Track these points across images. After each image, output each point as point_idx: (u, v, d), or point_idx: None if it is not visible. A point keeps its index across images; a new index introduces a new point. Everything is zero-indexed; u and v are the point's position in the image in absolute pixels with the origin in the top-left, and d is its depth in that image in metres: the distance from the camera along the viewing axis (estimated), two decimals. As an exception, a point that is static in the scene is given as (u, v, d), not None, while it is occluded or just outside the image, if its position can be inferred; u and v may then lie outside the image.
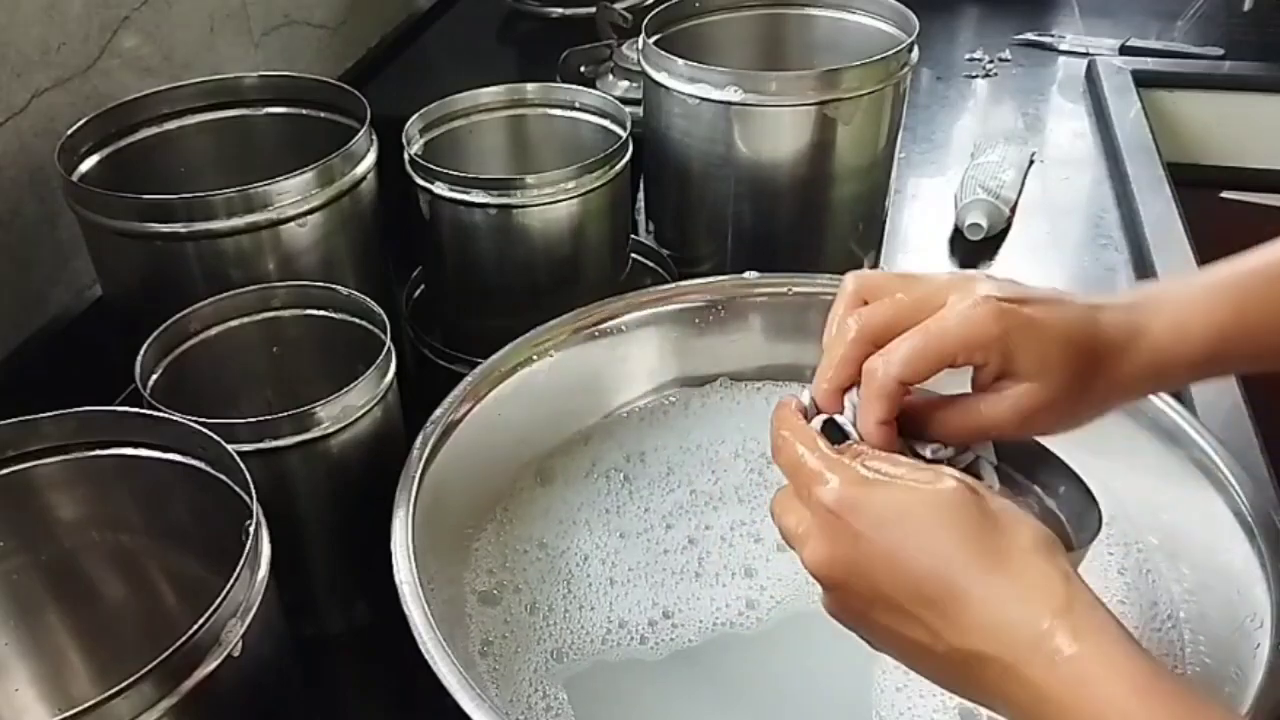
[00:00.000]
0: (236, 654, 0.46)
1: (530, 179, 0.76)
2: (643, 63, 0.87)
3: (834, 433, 0.48)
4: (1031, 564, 0.41)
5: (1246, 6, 1.49)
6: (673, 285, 0.78)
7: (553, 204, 0.77)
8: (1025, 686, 0.39)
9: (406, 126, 0.82)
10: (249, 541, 0.48)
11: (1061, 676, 0.38)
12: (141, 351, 0.63)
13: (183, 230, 0.68)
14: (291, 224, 0.70)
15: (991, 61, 1.41)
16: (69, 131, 0.73)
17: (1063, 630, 0.39)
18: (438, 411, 0.65)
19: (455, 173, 0.77)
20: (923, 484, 0.43)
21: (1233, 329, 0.49)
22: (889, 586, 0.42)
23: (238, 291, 0.68)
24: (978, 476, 0.49)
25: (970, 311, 0.46)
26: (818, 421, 0.49)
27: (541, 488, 0.70)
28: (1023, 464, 0.52)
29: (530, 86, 0.88)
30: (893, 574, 0.42)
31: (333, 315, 0.69)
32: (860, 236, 0.91)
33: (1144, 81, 1.31)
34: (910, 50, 0.85)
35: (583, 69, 1.20)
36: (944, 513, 0.42)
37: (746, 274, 0.77)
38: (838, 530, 0.43)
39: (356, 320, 0.68)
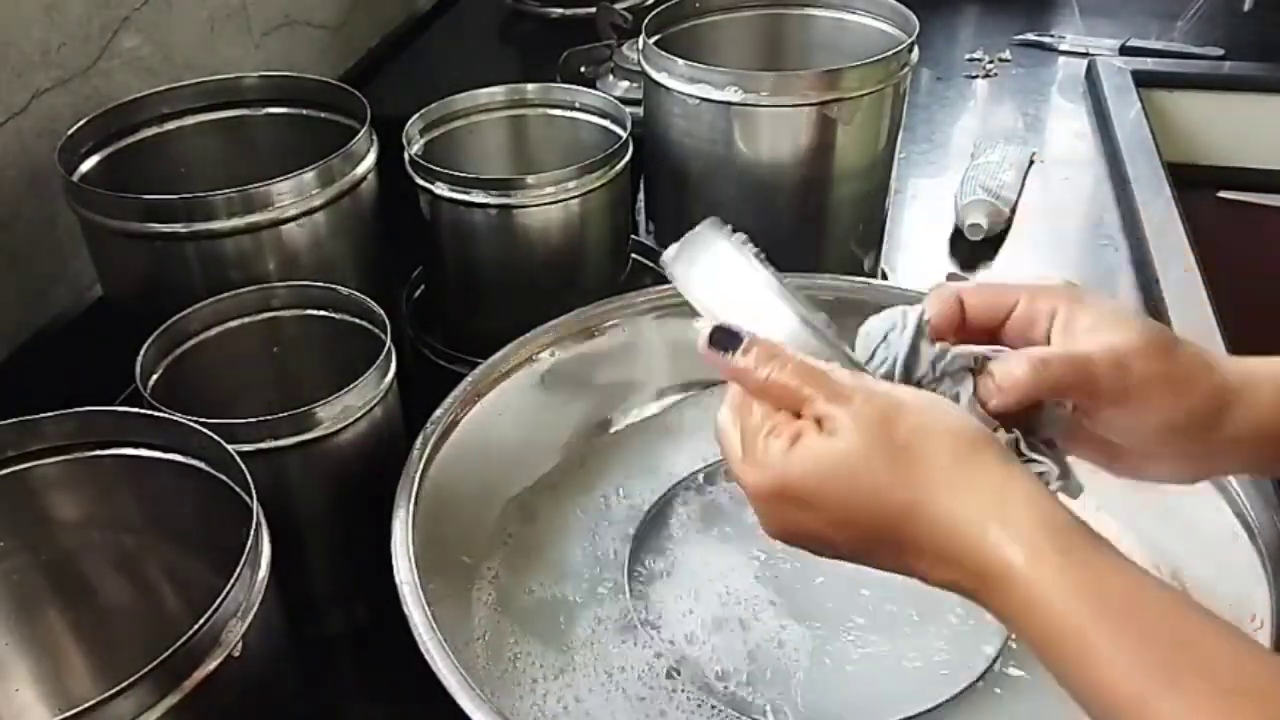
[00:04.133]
0: (236, 654, 0.46)
1: (530, 179, 0.76)
2: (643, 63, 0.87)
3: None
4: (947, 477, 0.41)
5: (1246, 6, 1.49)
6: (673, 285, 0.78)
7: (553, 204, 0.77)
8: (993, 608, 0.41)
9: (407, 127, 0.82)
10: (249, 541, 0.48)
11: (1013, 600, 0.39)
12: (141, 351, 0.63)
13: (183, 230, 0.68)
14: (291, 224, 0.70)
15: (991, 61, 1.41)
16: (69, 131, 0.73)
17: (1005, 544, 0.39)
18: (438, 411, 0.65)
19: (455, 173, 0.77)
20: (824, 445, 0.43)
21: None
22: (841, 543, 0.44)
23: (238, 291, 0.68)
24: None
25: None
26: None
27: (542, 488, 0.70)
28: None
29: (530, 86, 0.88)
30: (837, 533, 0.44)
31: (333, 315, 0.69)
32: (860, 236, 0.91)
33: (1144, 81, 1.31)
34: (910, 50, 0.85)
35: (583, 69, 1.20)
36: (855, 469, 0.42)
37: (746, 274, 0.76)
38: (772, 509, 0.45)
39: (356, 320, 0.68)
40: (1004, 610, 0.40)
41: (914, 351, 0.48)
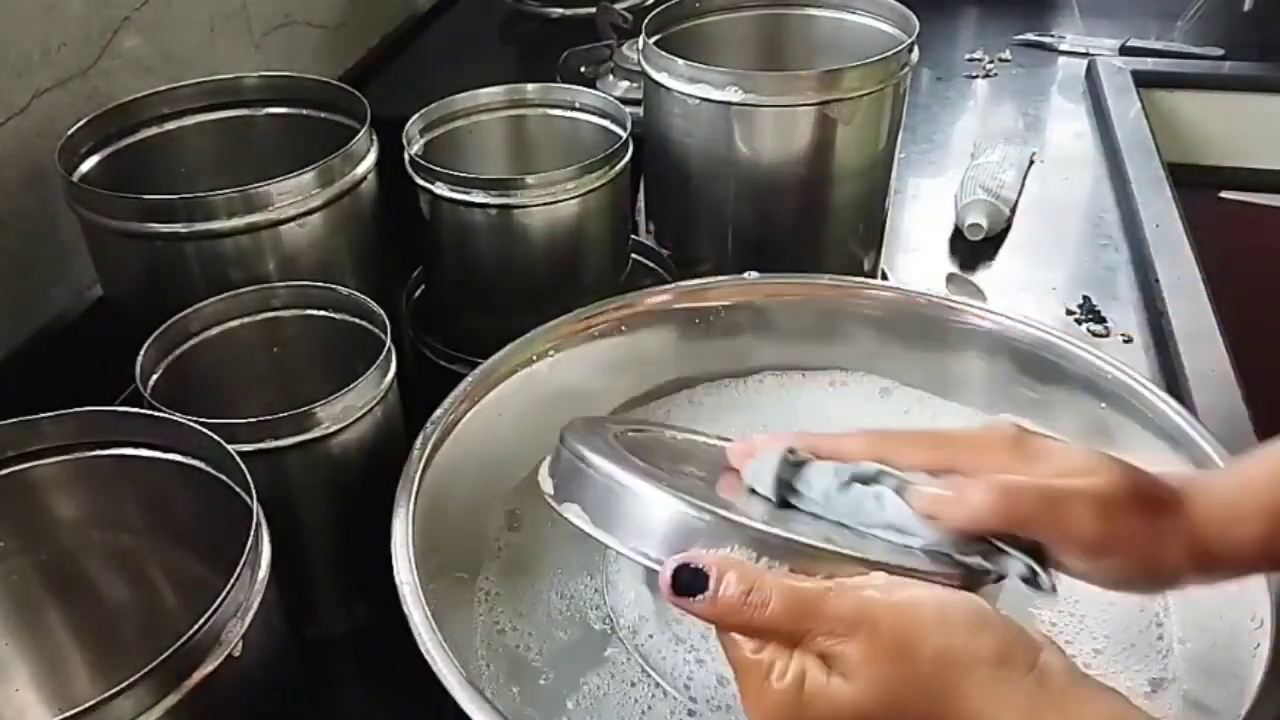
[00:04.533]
0: (236, 654, 0.46)
1: (530, 179, 0.76)
2: (643, 63, 0.87)
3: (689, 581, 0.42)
4: (977, 711, 0.39)
5: (1246, 6, 1.49)
6: (673, 285, 0.78)
7: (553, 204, 0.76)
8: None
9: (407, 126, 0.82)
10: (249, 541, 0.48)
11: None
12: (141, 351, 0.63)
13: (183, 230, 0.68)
14: (291, 224, 0.70)
15: (991, 61, 1.41)
16: (69, 131, 0.73)
17: None
18: (438, 412, 0.65)
19: (455, 173, 0.77)
20: (840, 693, 0.39)
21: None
22: None
23: (238, 292, 0.68)
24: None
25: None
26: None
27: (542, 489, 0.70)
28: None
29: (530, 86, 0.88)
30: None
31: (333, 315, 0.69)
32: (860, 236, 0.91)
33: (1144, 81, 1.31)
34: (910, 50, 0.85)
35: (583, 69, 1.20)
36: (879, 715, 0.39)
37: (746, 274, 0.77)
38: None
39: (356, 320, 0.68)
40: None
41: (791, 466, 0.48)
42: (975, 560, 0.44)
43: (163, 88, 0.80)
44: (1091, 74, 1.34)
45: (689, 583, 0.41)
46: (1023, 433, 0.47)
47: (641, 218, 0.99)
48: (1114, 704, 0.40)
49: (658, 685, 0.58)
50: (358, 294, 0.68)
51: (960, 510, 0.44)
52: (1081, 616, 0.60)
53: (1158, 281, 0.95)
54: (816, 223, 0.88)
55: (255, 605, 0.47)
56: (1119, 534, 0.43)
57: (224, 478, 0.54)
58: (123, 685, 0.42)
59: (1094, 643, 0.59)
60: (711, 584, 0.40)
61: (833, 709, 0.39)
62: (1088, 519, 0.42)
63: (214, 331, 0.68)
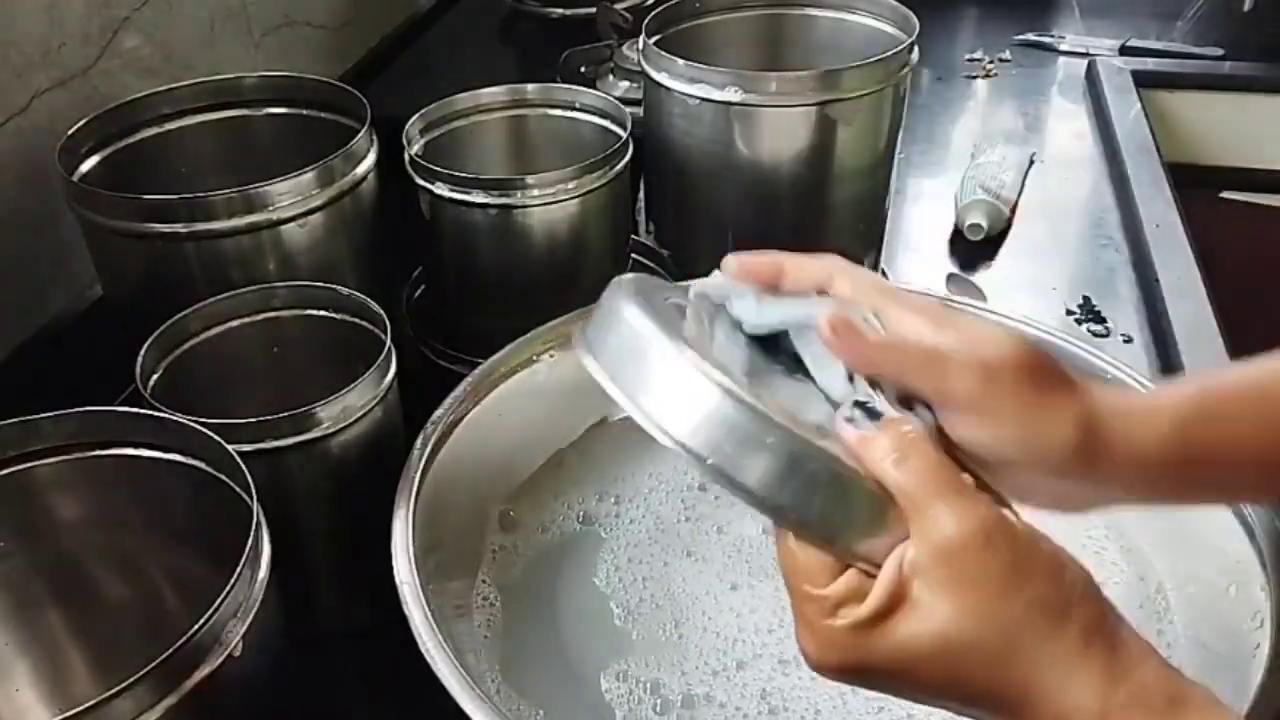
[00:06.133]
0: (236, 654, 0.46)
1: (530, 179, 0.76)
2: (643, 63, 0.87)
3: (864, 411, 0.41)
4: (1058, 682, 0.37)
5: (1246, 6, 1.49)
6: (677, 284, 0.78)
7: (553, 204, 0.77)
8: None
9: (407, 127, 0.82)
10: (249, 541, 0.48)
11: None
12: (141, 351, 0.63)
13: (183, 230, 0.68)
14: (291, 224, 0.70)
15: (991, 62, 1.41)
16: (69, 131, 0.73)
17: None
18: (438, 412, 0.65)
19: (455, 173, 0.77)
20: (933, 623, 0.38)
21: (1194, 417, 0.45)
22: (923, 701, 0.41)
23: (238, 291, 0.68)
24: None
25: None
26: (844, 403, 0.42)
27: (542, 489, 0.70)
28: None
29: (530, 86, 0.88)
30: (913, 698, 0.40)
31: (333, 315, 0.69)
32: (860, 236, 0.91)
33: (1144, 81, 1.31)
34: (910, 51, 0.85)
35: (583, 69, 1.20)
36: (956, 656, 0.37)
37: (746, 274, 0.76)
38: (852, 681, 0.40)
39: (356, 320, 0.68)
40: None
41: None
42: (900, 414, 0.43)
43: (163, 88, 0.80)
44: (1091, 74, 1.34)
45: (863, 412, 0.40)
46: (946, 307, 0.47)
47: (641, 218, 0.99)
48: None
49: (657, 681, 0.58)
50: (358, 294, 0.68)
51: (854, 345, 0.43)
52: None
53: (1158, 281, 0.95)
54: (816, 223, 0.88)
55: (255, 605, 0.47)
56: (1001, 398, 0.42)
57: (224, 478, 0.54)
58: (123, 685, 0.42)
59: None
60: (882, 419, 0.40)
61: (906, 642, 0.37)
62: (969, 379, 0.42)
63: (214, 331, 0.68)
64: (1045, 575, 0.38)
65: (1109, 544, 0.64)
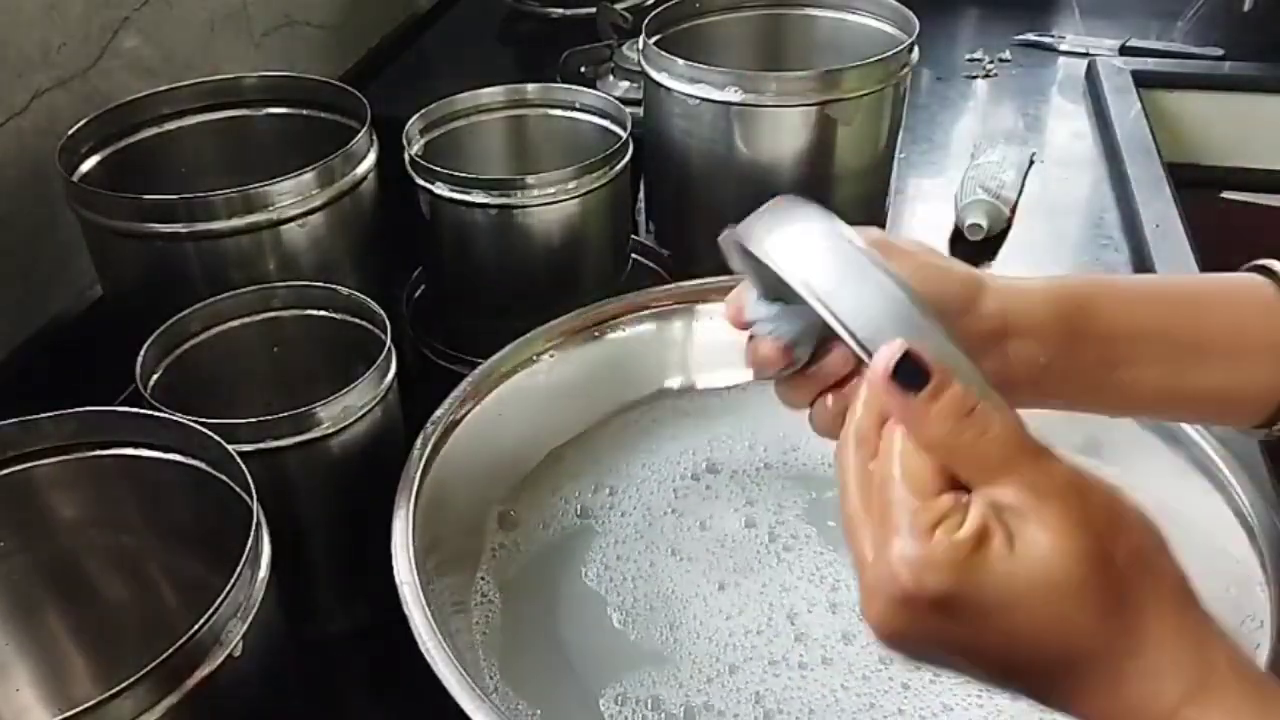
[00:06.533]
0: (236, 654, 0.46)
1: (530, 179, 0.76)
2: (643, 63, 0.87)
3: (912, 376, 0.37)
4: (1160, 635, 0.35)
5: (1246, 6, 1.49)
6: (673, 285, 0.78)
7: (553, 204, 0.77)
8: None
9: (407, 127, 0.82)
10: (249, 541, 0.48)
11: None
12: (141, 351, 0.63)
13: (183, 230, 0.68)
14: (291, 224, 0.70)
15: (991, 62, 1.41)
16: (69, 132, 0.73)
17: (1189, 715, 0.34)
18: (438, 412, 0.65)
19: (455, 173, 0.77)
20: (1038, 559, 0.34)
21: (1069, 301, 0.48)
22: (984, 662, 0.36)
23: (238, 292, 0.68)
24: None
25: None
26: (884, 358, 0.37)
27: (541, 489, 0.70)
28: None
29: (530, 87, 0.88)
30: (989, 656, 0.36)
31: (333, 315, 0.69)
32: (860, 237, 0.91)
33: (1144, 81, 1.31)
34: (910, 50, 0.85)
35: (583, 69, 1.20)
36: (1064, 594, 0.34)
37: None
38: (915, 617, 0.35)
39: (356, 320, 0.68)
40: None
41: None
42: None
43: (163, 88, 0.80)
44: (1091, 74, 1.34)
45: (911, 374, 0.36)
46: (886, 240, 0.48)
47: (641, 218, 0.99)
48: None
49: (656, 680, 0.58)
50: (358, 294, 0.68)
51: None
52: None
53: (1158, 281, 0.95)
54: (816, 223, 0.88)
55: (255, 605, 0.47)
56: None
57: (224, 478, 0.54)
58: (123, 685, 0.42)
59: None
60: (932, 384, 0.36)
61: (1009, 570, 0.34)
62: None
63: (214, 331, 0.68)
64: (1139, 527, 0.37)
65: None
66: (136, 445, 0.56)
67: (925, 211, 1.11)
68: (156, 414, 0.56)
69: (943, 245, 1.06)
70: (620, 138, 0.80)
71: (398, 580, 0.54)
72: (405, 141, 0.81)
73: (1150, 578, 0.36)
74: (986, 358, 0.44)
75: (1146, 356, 0.48)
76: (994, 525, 0.35)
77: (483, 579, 0.64)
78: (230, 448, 0.53)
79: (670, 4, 0.93)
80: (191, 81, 0.81)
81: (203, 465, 0.55)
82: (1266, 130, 1.36)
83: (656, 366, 0.76)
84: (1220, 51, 1.39)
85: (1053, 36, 1.46)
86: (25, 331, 0.81)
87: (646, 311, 0.75)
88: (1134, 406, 0.51)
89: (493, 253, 0.79)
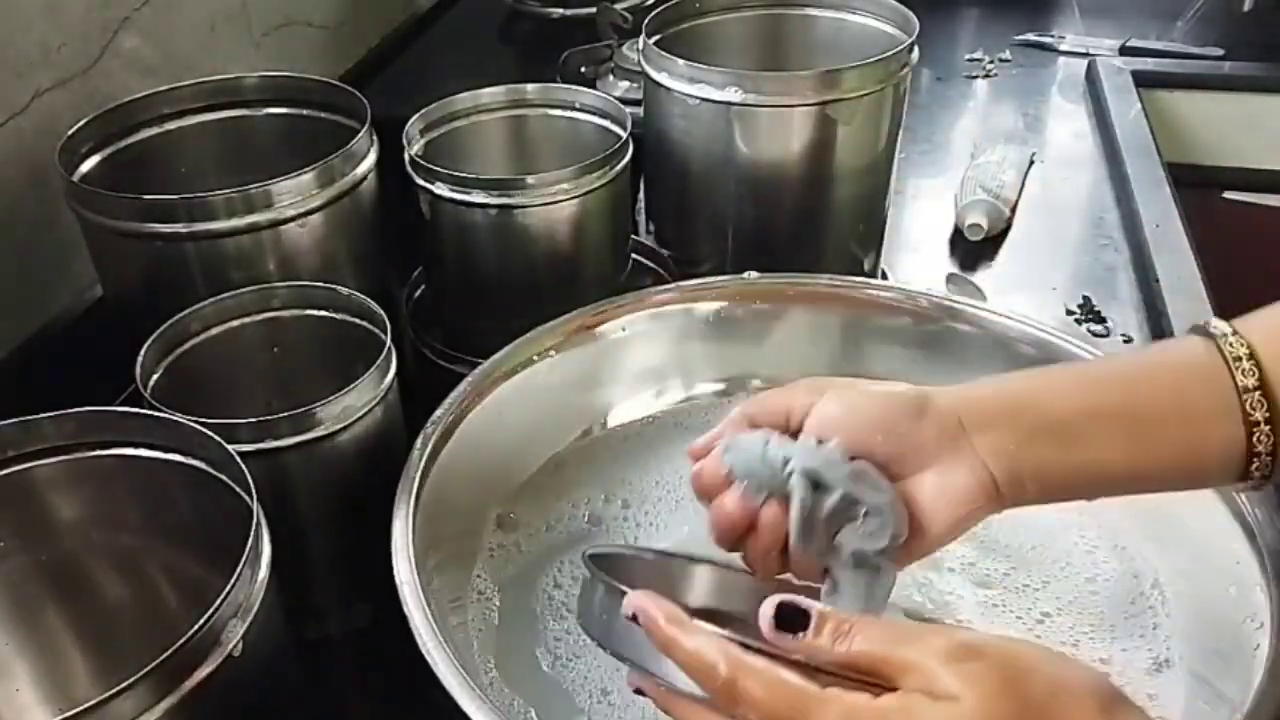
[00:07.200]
0: (236, 654, 0.46)
1: (530, 179, 0.76)
2: (643, 63, 0.87)
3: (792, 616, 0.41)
4: None
5: (1246, 6, 1.49)
6: (673, 285, 0.78)
7: (553, 204, 0.76)
8: None
9: (407, 127, 0.82)
10: (249, 541, 0.48)
11: None
12: (141, 351, 0.63)
13: (183, 230, 0.68)
14: (291, 224, 0.70)
15: (991, 62, 1.41)
16: (69, 132, 0.73)
17: None
18: (438, 412, 0.65)
19: (455, 173, 0.77)
20: (947, 711, 0.37)
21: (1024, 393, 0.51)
22: None
23: (238, 292, 0.68)
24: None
25: None
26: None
27: (542, 490, 0.70)
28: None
29: (530, 87, 0.88)
30: None
31: (333, 315, 0.69)
32: (860, 237, 0.91)
33: (1144, 81, 1.31)
34: (910, 51, 0.85)
35: (583, 69, 1.20)
36: None
37: (747, 274, 0.77)
38: None
39: (356, 320, 0.68)
40: None
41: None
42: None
43: (163, 88, 0.80)
44: (1091, 74, 1.34)
45: (789, 618, 0.40)
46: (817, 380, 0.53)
47: (641, 218, 0.99)
48: None
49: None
50: (358, 294, 0.68)
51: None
52: (1078, 613, 0.60)
53: (1158, 281, 0.95)
54: (816, 223, 0.88)
55: (255, 605, 0.47)
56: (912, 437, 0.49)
57: (224, 478, 0.54)
58: (123, 685, 0.42)
59: (1095, 649, 0.59)
60: (814, 622, 0.40)
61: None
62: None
63: (214, 331, 0.68)
64: (1035, 667, 0.38)
65: (1102, 543, 0.64)
66: (136, 445, 0.56)
67: (925, 211, 1.11)
68: (156, 414, 0.56)
69: (943, 245, 1.06)
70: (620, 138, 0.80)
71: (398, 580, 0.54)
72: (405, 141, 0.81)
73: (1069, 699, 0.37)
74: (957, 459, 0.48)
75: (1104, 435, 0.49)
76: (916, 698, 0.37)
77: (479, 576, 0.64)
78: (230, 448, 0.53)
79: (670, 4, 0.93)
80: (191, 81, 0.81)
81: (203, 465, 0.55)
82: (1266, 130, 1.36)
83: (656, 367, 0.76)
84: (1220, 51, 1.39)
85: (1053, 36, 1.46)
86: (25, 331, 0.81)
87: (646, 312, 0.75)
88: (1109, 487, 0.52)
89: (493, 253, 0.79)
